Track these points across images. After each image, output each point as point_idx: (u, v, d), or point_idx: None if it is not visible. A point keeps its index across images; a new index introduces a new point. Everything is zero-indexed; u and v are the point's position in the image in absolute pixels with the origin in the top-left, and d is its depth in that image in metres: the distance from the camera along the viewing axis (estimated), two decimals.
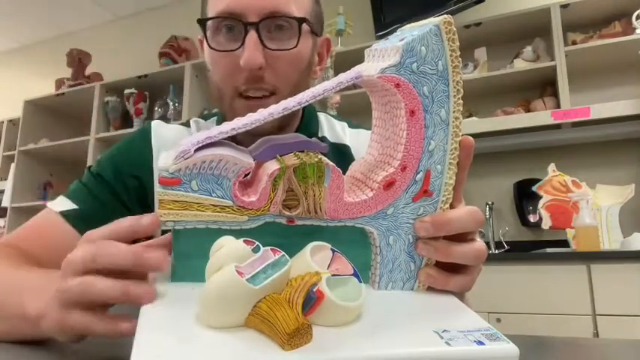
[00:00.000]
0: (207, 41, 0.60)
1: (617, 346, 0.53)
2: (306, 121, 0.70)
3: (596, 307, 1.59)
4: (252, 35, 0.56)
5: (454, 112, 0.36)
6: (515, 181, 2.26)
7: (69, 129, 3.30)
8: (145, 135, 0.69)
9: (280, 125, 0.63)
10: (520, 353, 0.28)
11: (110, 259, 0.32)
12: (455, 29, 0.35)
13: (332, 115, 0.77)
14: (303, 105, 0.34)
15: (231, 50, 0.58)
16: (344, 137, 0.73)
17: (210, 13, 0.60)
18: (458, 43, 0.35)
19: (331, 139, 0.72)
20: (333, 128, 0.74)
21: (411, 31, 0.36)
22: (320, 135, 0.72)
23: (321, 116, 0.75)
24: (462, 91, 0.36)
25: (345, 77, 0.35)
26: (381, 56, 0.36)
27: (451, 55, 0.35)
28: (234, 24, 0.58)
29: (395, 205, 0.36)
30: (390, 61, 0.34)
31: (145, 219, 0.34)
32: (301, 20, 0.59)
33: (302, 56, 0.61)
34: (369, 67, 0.36)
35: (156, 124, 0.71)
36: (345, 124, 0.76)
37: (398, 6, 2.44)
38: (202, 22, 0.61)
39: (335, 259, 0.32)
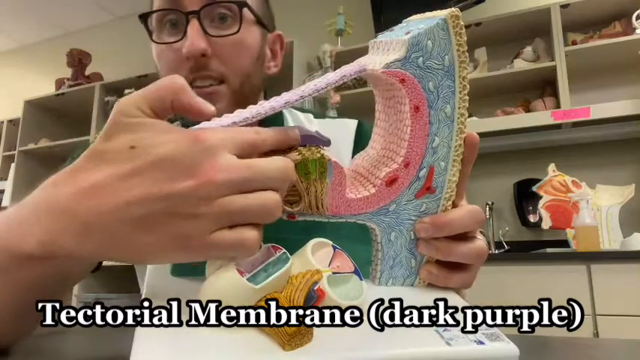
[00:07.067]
0: (150, 36, 0.60)
1: (617, 346, 0.53)
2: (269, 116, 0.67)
3: (596, 307, 1.59)
4: (193, 23, 0.56)
5: (459, 108, 0.35)
6: (515, 181, 2.26)
7: (69, 129, 3.30)
8: None
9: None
10: (520, 353, 0.28)
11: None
12: (462, 23, 0.34)
13: (302, 110, 0.74)
14: (305, 98, 0.33)
15: (175, 42, 0.57)
16: (311, 128, 0.69)
17: (154, 8, 0.59)
18: (465, 38, 0.34)
19: None
20: (297, 121, 0.71)
21: (417, 23, 0.35)
22: None
23: (284, 111, 0.72)
24: (467, 86, 0.35)
25: (349, 70, 0.34)
26: (386, 49, 0.35)
27: (458, 50, 0.34)
28: (176, 17, 0.58)
29: (397, 202, 0.35)
30: (396, 55, 0.33)
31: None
32: (241, 4, 0.58)
33: (248, 43, 0.60)
34: (374, 60, 0.35)
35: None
36: (310, 115, 0.73)
37: (398, 6, 2.44)
38: (144, 17, 0.59)
39: (336, 255, 0.32)
